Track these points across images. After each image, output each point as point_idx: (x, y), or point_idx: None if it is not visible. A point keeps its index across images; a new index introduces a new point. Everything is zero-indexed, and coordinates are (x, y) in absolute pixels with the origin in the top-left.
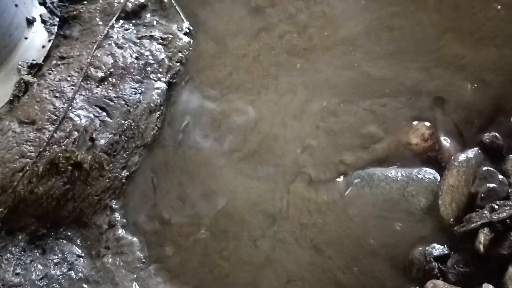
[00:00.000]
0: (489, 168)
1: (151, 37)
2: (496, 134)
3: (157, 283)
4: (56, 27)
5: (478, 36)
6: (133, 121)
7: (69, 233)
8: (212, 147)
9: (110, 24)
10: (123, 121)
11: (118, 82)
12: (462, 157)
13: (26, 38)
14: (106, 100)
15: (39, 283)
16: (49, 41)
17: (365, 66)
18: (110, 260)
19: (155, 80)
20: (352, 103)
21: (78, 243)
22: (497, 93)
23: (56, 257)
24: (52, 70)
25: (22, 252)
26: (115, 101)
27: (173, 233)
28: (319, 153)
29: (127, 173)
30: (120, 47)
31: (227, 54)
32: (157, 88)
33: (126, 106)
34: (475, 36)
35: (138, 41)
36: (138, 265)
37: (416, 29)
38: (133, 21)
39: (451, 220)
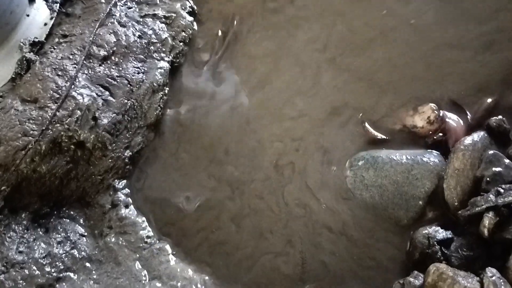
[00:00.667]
0: (495, 151)
1: (154, 16)
2: (503, 117)
3: (160, 263)
4: (58, 5)
5: None
6: (136, 100)
7: (72, 213)
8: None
9: (113, 2)
10: (126, 101)
11: (121, 61)
12: (468, 140)
13: (27, 16)
14: (109, 79)
15: (42, 261)
16: (51, 18)
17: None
18: (113, 239)
19: (158, 60)
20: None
21: (81, 222)
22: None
23: (59, 236)
24: (54, 48)
25: (25, 231)
26: (118, 80)
27: (176, 213)
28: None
29: (130, 153)
30: (123, 25)
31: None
32: (160, 68)
33: (129, 85)
34: None
35: (141, 19)
36: (141, 244)
37: None
38: (136, 0)
39: (456, 204)
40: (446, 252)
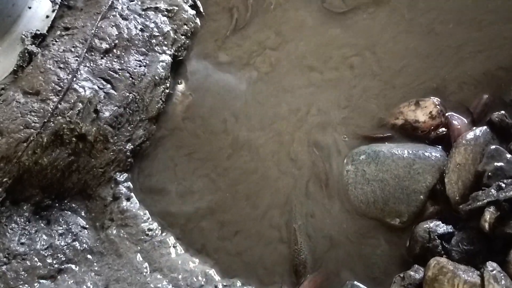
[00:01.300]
0: (497, 146)
1: (156, 9)
2: (505, 113)
3: (161, 255)
4: None
5: None
6: (138, 94)
7: (73, 205)
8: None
9: None
10: (127, 94)
11: (123, 54)
12: (470, 135)
13: (29, 8)
14: (110, 72)
15: (43, 252)
16: (53, 11)
17: None
18: (114, 232)
19: (160, 53)
20: None
21: (83, 214)
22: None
23: (61, 227)
24: (56, 41)
25: (27, 223)
26: (120, 73)
27: (178, 206)
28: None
29: (131, 146)
30: (124, 18)
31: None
32: (162, 61)
33: (130, 78)
34: None
35: (143, 12)
36: (142, 237)
37: None
38: None
39: (457, 198)
40: (446, 246)
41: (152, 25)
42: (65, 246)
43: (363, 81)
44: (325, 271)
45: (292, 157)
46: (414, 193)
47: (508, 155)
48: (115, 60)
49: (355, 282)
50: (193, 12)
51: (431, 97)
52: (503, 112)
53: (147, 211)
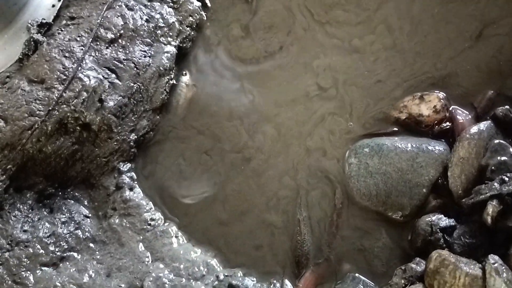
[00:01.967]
0: (501, 141)
1: (162, 0)
2: (509, 107)
3: (163, 245)
4: None
5: None
6: (142, 84)
7: (76, 194)
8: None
9: None
10: (132, 84)
11: (128, 44)
12: (474, 129)
13: None
14: (115, 62)
15: (46, 240)
16: (59, 0)
17: None
18: (117, 221)
19: (165, 44)
20: None
21: (86, 203)
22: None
23: (64, 216)
24: (61, 30)
25: (30, 210)
26: (125, 63)
27: (181, 196)
28: None
29: (135, 137)
30: (130, 8)
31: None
32: (167, 52)
33: (135, 68)
34: None
35: (148, 3)
36: (145, 226)
37: None
38: None
39: (460, 192)
40: (448, 239)
41: (157, 16)
42: (68, 234)
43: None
44: (327, 263)
45: (297, 151)
46: (416, 186)
47: None
48: (120, 50)
49: (357, 274)
50: (199, 3)
51: (436, 91)
52: (507, 107)
53: (150, 201)
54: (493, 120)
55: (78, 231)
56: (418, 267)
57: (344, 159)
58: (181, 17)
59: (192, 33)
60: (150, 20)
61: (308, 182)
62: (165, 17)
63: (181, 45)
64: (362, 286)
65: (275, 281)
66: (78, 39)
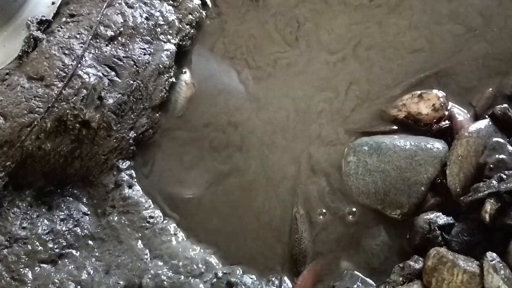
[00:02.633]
0: (499, 139)
1: None
2: (508, 106)
3: (162, 242)
4: None
5: None
6: (142, 82)
7: (75, 191)
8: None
9: None
10: (131, 82)
11: (128, 42)
12: (472, 127)
13: None
14: (115, 60)
15: (45, 237)
16: None
17: None
18: (116, 218)
19: (164, 42)
20: None
21: (84, 201)
22: None
23: (63, 213)
24: (61, 27)
25: (29, 207)
26: (124, 61)
27: (180, 194)
28: None
29: (134, 134)
30: (130, 6)
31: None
32: (167, 50)
33: (135, 66)
34: None
35: (148, 1)
36: (144, 224)
37: None
38: None
39: (458, 190)
40: (446, 237)
41: (157, 13)
42: (66, 232)
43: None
44: (325, 260)
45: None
46: (415, 184)
47: (510, 148)
48: (120, 47)
49: (355, 272)
50: (199, 2)
51: (435, 90)
52: (505, 105)
53: (149, 199)
54: (492, 118)
55: (77, 228)
56: (416, 264)
57: (342, 157)
58: (181, 15)
59: (192, 31)
60: (150, 18)
61: (306, 180)
62: (165, 15)
63: (180, 43)
64: (360, 283)
65: (273, 279)
66: (77, 36)
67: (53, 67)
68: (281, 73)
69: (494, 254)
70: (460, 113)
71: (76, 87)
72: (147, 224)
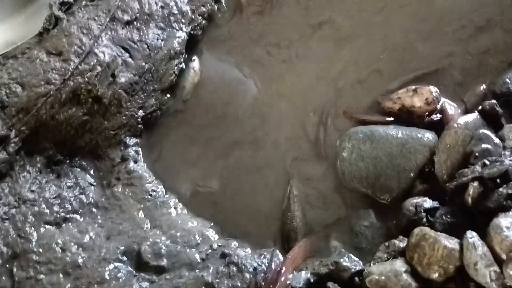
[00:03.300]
0: (486, 131)
1: None
2: (496, 102)
3: (162, 214)
4: None
5: None
6: (153, 65)
7: (83, 163)
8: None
9: None
10: (143, 64)
11: (143, 27)
12: (461, 120)
13: None
14: (129, 42)
15: (51, 201)
16: None
17: None
18: (120, 190)
19: (177, 30)
20: None
21: (91, 173)
22: None
23: (70, 181)
24: (81, 9)
25: (39, 173)
26: (138, 44)
27: (183, 171)
28: None
29: (143, 114)
30: None
31: None
32: (179, 37)
33: (148, 50)
34: None
35: None
36: (146, 196)
37: None
38: None
39: (445, 177)
40: (431, 219)
41: (172, 3)
42: (72, 198)
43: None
44: (315, 238)
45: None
46: (404, 171)
47: (496, 139)
48: (135, 31)
49: (343, 250)
50: None
51: (429, 86)
52: (494, 101)
53: (152, 174)
54: (481, 113)
55: (82, 196)
56: (401, 243)
57: (337, 142)
58: (194, 6)
59: (204, 22)
60: (164, 6)
61: (300, 162)
62: (179, 5)
63: (192, 32)
64: (347, 259)
65: (265, 253)
66: (96, 18)
67: (71, 44)
68: (285, 66)
69: (474, 233)
70: (452, 108)
71: (92, 63)
72: (149, 197)
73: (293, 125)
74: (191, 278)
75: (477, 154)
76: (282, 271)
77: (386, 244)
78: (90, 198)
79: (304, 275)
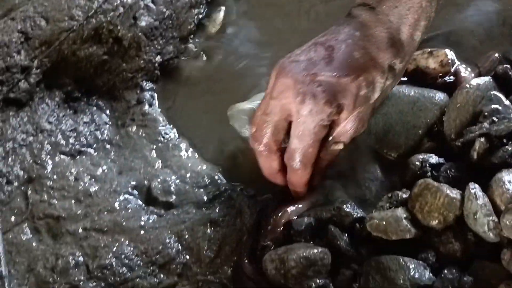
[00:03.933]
0: (497, 93)
1: None
2: (509, 66)
3: (173, 156)
4: None
5: None
6: (174, 12)
7: (100, 102)
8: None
9: None
10: (165, 10)
11: None
12: (474, 81)
13: None
14: None
15: (68, 133)
16: None
17: None
18: (134, 129)
19: None
20: None
21: (107, 112)
22: None
23: (86, 118)
24: None
25: (57, 107)
26: None
27: (196, 117)
28: None
29: (160, 60)
30: None
31: None
32: None
33: None
34: None
35: None
36: (159, 138)
37: None
38: None
39: (453, 136)
40: (435, 174)
41: None
42: (88, 133)
43: None
44: (319, 188)
45: None
46: (413, 128)
47: (506, 101)
48: None
49: (346, 200)
50: None
51: (445, 49)
52: (508, 65)
53: (166, 119)
54: (494, 78)
55: (98, 132)
56: (404, 194)
57: None
58: None
59: None
60: None
61: None
62: None
63: None
64: (349, 205)
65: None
66: None
67: None
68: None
69: (476, 185)
70: (465, 72)
71: (115, 4)
72: (162, 139)
73: None
74: (198, 215)
75: (486, 113)
76: (285, 214)
77: (389, 195)
78: (105, 135)
79: (307, 220)
